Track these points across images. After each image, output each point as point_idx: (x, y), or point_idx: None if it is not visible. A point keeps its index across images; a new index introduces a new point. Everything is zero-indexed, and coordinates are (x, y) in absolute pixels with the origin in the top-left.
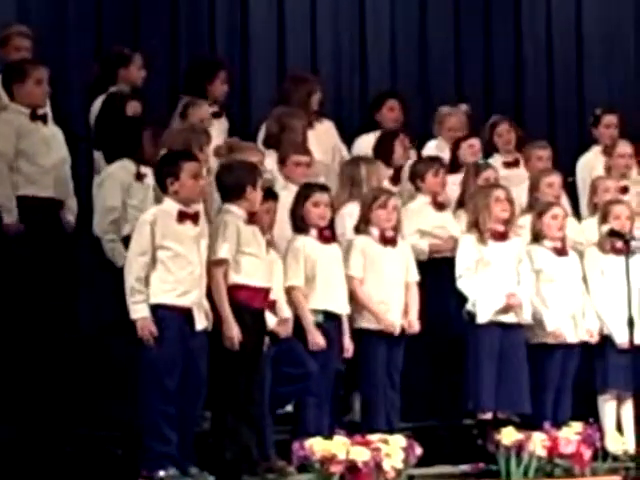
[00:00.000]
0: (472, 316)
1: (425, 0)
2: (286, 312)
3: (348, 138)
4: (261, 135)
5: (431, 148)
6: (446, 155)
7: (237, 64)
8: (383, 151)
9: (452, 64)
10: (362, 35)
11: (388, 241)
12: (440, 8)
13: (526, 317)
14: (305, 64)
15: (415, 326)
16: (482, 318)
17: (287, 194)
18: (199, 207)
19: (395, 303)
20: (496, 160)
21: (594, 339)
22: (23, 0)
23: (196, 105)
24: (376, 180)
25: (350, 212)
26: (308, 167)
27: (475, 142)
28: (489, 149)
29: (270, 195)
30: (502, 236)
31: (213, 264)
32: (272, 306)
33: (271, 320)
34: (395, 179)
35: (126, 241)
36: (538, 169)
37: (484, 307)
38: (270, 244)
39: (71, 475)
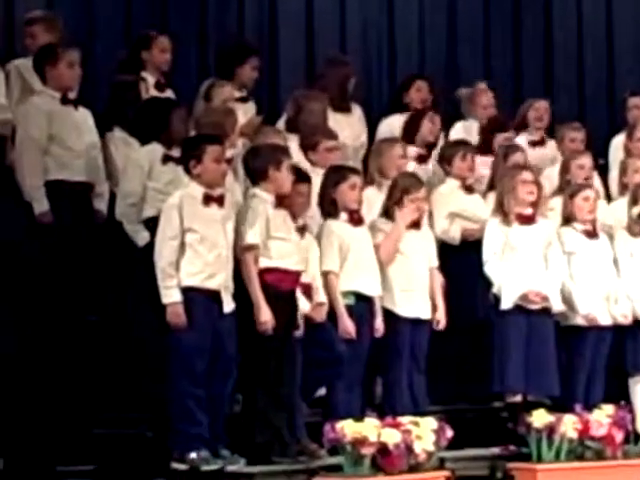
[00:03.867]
0: (498, 300)
1: None
2: (322, 297)
3: (375, 121)
4: (282, 119)
5: (458, 130)
6: (475, 136)
7: (265, 49)
8: (410, 129)
9: (481, 47)
10: (390, 18)
11: (413, 224)
12: None
13: (555, 306)
14: (333, 48)
15: (442, 323)
16: (506, 304)
17: (315, 179)
18: (224, 190)
19: (419, 288)
20: (522, 140)
21: (627, 321)
22: None
23: (219, 86)
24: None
25: (367, 195)
26: (339, 152)
27: (510, 135)
28: (518, 128)
29: (302, 178)
30: (529, 219)
31: (243, 250)
32: (307, 290)
33: (305, 304)
34: (422, 158)
35: (147, 223)
36: (571, 150)
37: (508, 294)
38: (305, 228)
39: (102, 457)
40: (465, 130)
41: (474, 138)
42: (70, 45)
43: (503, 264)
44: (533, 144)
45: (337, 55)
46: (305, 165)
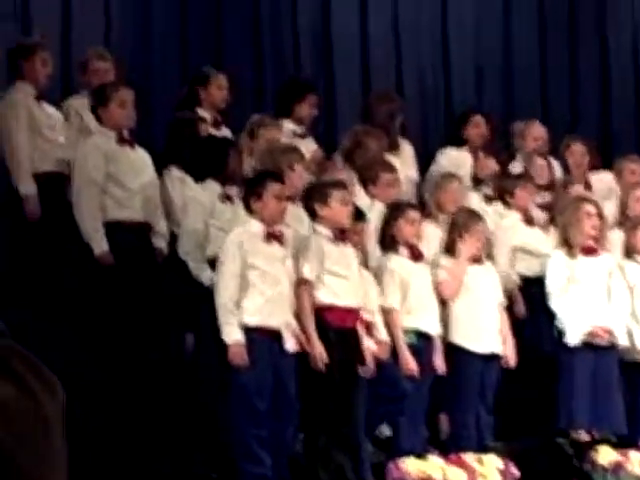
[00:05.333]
0: (563, 334)
1: (509, 18)
2: (383, 334)
3: (431, 156)
4: (338, 153)
5: (516, 165)
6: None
7: (322, 86)
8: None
9: (537, 81)
10: (446, 53)
11: (476, 260)
12: (525, 25)
13: (620, 340)
14: (389, 86)
15: (512, 362)
16: (572, 339)
17: (375, 213)
18: (284, 227)
19: (489, 323)
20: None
21: None
22: (109, 26)
23: (265, 127)
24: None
25: (424, 230)
26: (398, 186)
27: (545, 162)
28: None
29: (359, 216)
30: (592, 252)
31: (298, 284)
32: (369, 327)
33: (371, 343)
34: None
35: (212, 261)
36: (630, 183)
37: (574, 329)
38: (363, 264)
39: None
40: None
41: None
42: (126, 84)
43: (568, 298)
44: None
45: (385, 91)
46: (364, 199)
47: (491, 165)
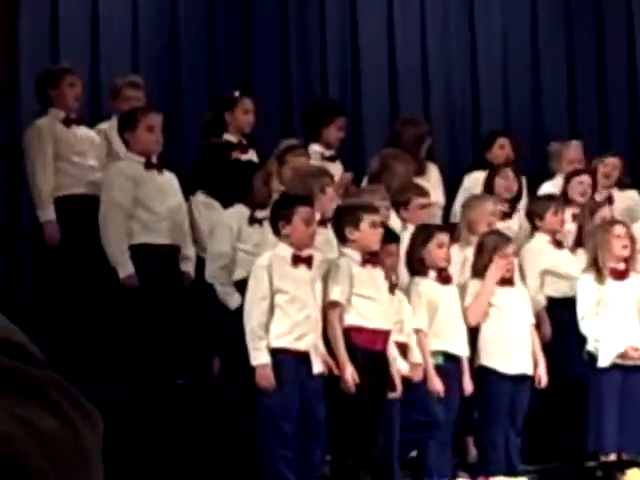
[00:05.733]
0: (593, 357)
1: (537, 38)
2: (417, 357)
3: (460, 179)
4: (366, 177)
5: (549, 186)
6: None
7: (349, 110)
8: (486, 188)
9: (565, 101)
10: (474, 75)
11: (506, 281)
12: (553, 46)
13: None
14: (417, 109)
15: (544, 381)
16: (603, 362)
17: (406, 236)
18: (312, 251)
19: (519, 345)
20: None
21: None
22: (136, 51)
23: (295, 155)
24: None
25: (453, 253)
26: (430, 209)
27: (585, 179)
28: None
29: (391, 237)
30: (622, 275)
31: (327, 307)
32: (403, 350)
33: (403, 365)
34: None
35: (238, 285)
36: None
37: (605, 351)
38: (395, 286)
39: None
40: (555, 187)
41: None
42: (153, 109)
43: (599, 321)
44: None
45: (412, 116)
46: (395, 222)
47: (515, 186)
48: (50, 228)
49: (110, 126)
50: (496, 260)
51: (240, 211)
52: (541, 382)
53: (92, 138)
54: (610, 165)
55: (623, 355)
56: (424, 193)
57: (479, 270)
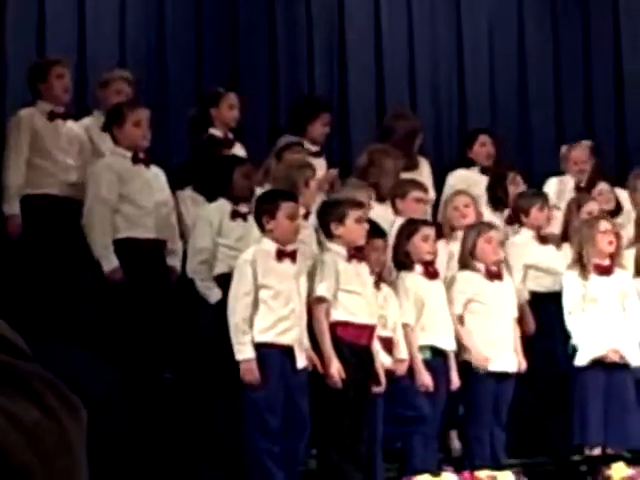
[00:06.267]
0: (577, 352)
1: (523, 35)
2: (402, 352)
3: (445, 176)
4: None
5: (551, 185)
6: (570, 191)
7: (336, 105)
8: (495, 195)
9: (551, 99)
10: (460, 72)
11: (494, 275)
12: (539, 43)
13: (633, 362)
14: (403, 102)
15: (523, 365)
16: (580, 361)
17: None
18: (296, 245)
19: (503, 341)
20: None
21: None
22: (123, 46)
23: (292, 151)
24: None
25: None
26: (426, 205)
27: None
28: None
29: (377, 232)
30: (606, 270)
31: (313, 302)
32: (387, 344)
33: (386, 359)
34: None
35: (219, 280)
36: None
37: (585, 352)
38: (382, 281)
39: None
40: (561, 185)
41: (570, 194)
42: (140, 104)
43: (584, 317)
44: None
45: (403, 109)
46: (386, 215)
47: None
48: (14, 222)
49: (91, 123)
50: (482, 243)
51: (222, 206)
52: (520, 366)
53: (76, 135)
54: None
55: (603, 357)
56: (422, 188)
57: (465, 259)
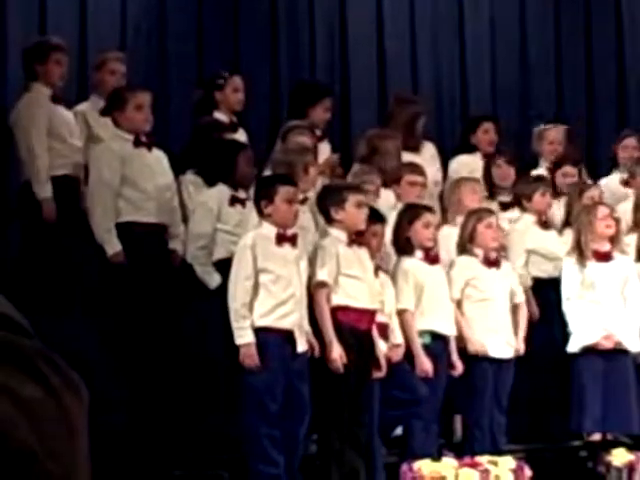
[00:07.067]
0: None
1: (525, 22)
2: (398, 338)
3: (448, 161)
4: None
5: (539, 170)
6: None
7: (338, 91)
8: (487, 179)
9: (553, 86)
10: (462, 59)
11: (492, 262)
12: (541, 30)
13: (631, 348)
14: (405, 87)
15: (521, 349)
16: (573, 348)
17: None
18: (296, 229)
19: (502, 327)
20: (612, 178)
21: None
22: (124, 29)
23: (297, 133)
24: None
25: (444, 234)
26: (423, 188)
27: (570, 170)
28: (611, 165)
29: (376, 218)
30: (606, 256)
31: (314, 287)
32: (383, 330)
33: (382, 345)
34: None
35: (218, 265)
36: None
37: (578, 337)
38: (380, 267)
39: None
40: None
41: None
42: (141, 87)
43: (582, 303)
44: (625, 183)
45: (406, 93)
46: (388, 200)
47: (511, 173)
48: (49, 205)
49: (88, 107)
50: (482, 229)
51: (221, 191)
52: (518, 351)
53: (72, 118)
54: (630, 146)
55: (598, 344)
56: (417, 171)
57: (464, 243)
